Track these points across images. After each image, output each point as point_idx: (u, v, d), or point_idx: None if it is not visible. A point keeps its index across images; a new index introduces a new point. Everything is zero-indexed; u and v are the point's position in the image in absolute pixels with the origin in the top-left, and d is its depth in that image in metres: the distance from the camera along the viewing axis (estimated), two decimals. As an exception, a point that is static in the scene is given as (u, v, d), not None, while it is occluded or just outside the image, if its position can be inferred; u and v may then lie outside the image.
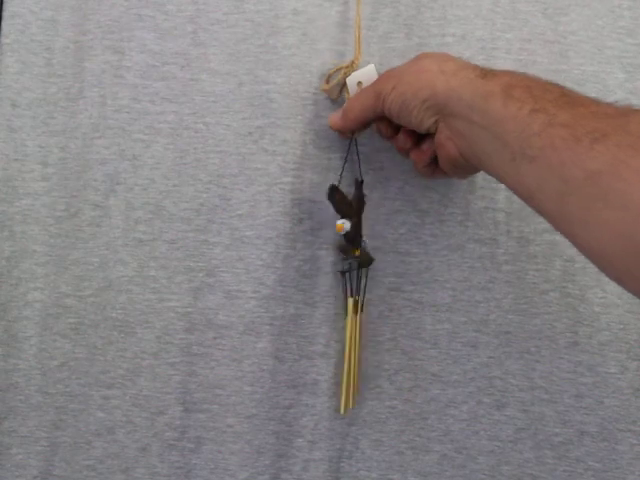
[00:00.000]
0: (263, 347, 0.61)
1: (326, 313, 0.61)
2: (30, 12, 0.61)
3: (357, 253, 0.58)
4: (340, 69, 0.58)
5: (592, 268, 0.60)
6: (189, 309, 0.61)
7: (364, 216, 0.59)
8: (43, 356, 0.61)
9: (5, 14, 0.61)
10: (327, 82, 0.59)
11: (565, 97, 0.42)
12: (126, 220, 0.61)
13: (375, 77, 0.56)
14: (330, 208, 0.57)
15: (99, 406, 0.61)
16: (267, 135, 0.60)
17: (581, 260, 0.60)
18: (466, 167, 0.51)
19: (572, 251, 0.60)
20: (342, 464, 0.61)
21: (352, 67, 0.57)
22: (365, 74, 0.56)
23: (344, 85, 0.58)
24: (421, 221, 0.61)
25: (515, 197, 0.60)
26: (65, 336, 0.61)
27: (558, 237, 0.60)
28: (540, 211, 0.43)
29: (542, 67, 0.61)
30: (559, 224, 0.42)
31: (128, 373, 0.61)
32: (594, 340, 0.60)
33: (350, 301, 0.59)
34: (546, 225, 0.60)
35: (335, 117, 0.57)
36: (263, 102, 0.60)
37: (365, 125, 0.56)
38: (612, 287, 0.60)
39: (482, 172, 0.60)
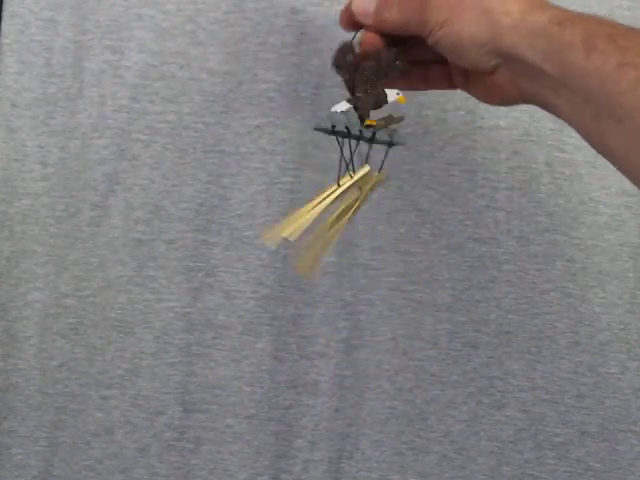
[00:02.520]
0: (262, 347, 0.60)
1: (326, 313, 0.60)
2: (30, 12, 0.61)
3: (372, 123, 0.47)
4: None
5: (593, 268, 0.60)
6: (188, 309, 0.61)
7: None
8: (43, 356, 0.61)
9: (5, 14, 0.61)
10: None
11: None
12: (125, 220, 0.61)
13: None
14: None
15: (98, 406, 0.61)
16: (266, 134, 0.60)
17: (582, 260, 0.60)
18: (518, 102, 0.45)
19: (573, 251, 0.60)
20: (342, 465, 0.61)
21: None
22: None
23: None
24: (421, 220, 0.61)
25: (515, 196, 0.60)
26: (64, 336, 0.61)
27: (559, 237, 0.60)
28: (628, 175, 0.39)
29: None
30: None
31: (127, 373, 0.61)
32: (595, 340, 0.60)
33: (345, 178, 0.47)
34: (547, 224, 0.60)
35: (366, 4, 0.46)
36: (262, 101, 0.60)
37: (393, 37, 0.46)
38: (613, 287, 0.60)
39: (482, 171, 0.61)
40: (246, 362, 0.60)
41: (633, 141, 0.37)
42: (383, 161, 0.47)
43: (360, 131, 0.46)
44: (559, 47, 0.39)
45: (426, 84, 0.50)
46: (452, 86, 0.49)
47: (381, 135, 0.47)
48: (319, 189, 0.59)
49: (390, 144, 0.47)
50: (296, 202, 0.60)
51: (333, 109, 0.47)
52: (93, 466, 0.61)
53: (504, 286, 0.60)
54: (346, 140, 0.47)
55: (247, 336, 0.60)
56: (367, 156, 0.47)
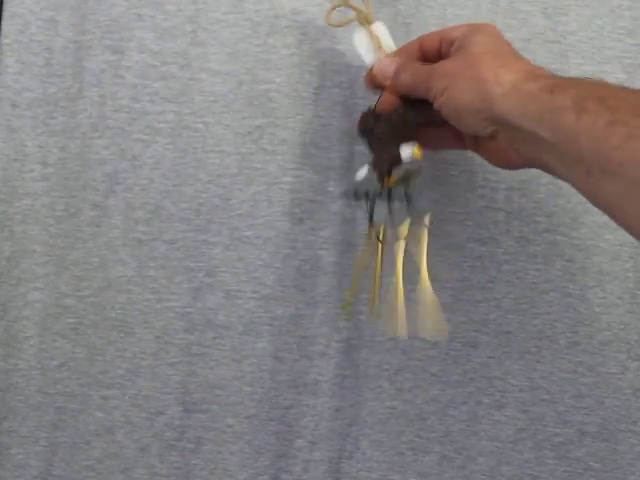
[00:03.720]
0: (263, 347, 0.60)
1: (326, 313, 0.60)
2: (30, 12, 0.61)
3: (392, 180, 0.52)
4: (354, 9, 0.54)
5: (592, 268, 0.60)
6: (188, 309, 0.61)
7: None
8: (43, 356, 0.61)
9: (5, 14, 0.61)
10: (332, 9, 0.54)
11: None
12: (125, 220, 0.61)
13: (388, 40, 0.53)
14: (330, 206, 0.57)
15: (98, 406, 0.61)
16: (267, 135, 0.60)
17: (581, 260, 0.60)
18: (523, 166, 0.48)
19: (572, 251, 0.60)
20: (342, 465, 0.61)
21: (366, 17, 0.53)
22: (381, 32, 0.54)
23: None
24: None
25: (515, 197, 0.60)
26: (65, 336, 0.61)
27: (558, 237, 0.60)
28: (625, 226, 0.40)
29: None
30: None
31: (127, 373, 0.61)
32: (594, 340, 0.60)
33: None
34: (546, 225, 0.60)
35: (387, 68, 0.51)
36: (262, 102, 0.60)
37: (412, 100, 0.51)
38: (612, 287, 0.60)
39: (482, 171, 0.61)
40: (246, 362, 0.61)
41: (626, 194, 0.38)
42: (391, 216, 0.54)
43: (380, 192, 0.52)
44: (550, 111, 0.41)
45: (441, 144, 0.53)
46: (465, 146, 0.52)
47: (398, 191, 0.53)
48: (319, 189, 0.60)
49: (408, 199, 0.53)
50: (296, 202, 0.60)
51: (356, 175, 0.52)
52: (93, 466, 0.61)
53: (504, 286, 0.60)
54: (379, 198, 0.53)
55: (247, 336, 0.60)
56: (390, 211, 0.53)
